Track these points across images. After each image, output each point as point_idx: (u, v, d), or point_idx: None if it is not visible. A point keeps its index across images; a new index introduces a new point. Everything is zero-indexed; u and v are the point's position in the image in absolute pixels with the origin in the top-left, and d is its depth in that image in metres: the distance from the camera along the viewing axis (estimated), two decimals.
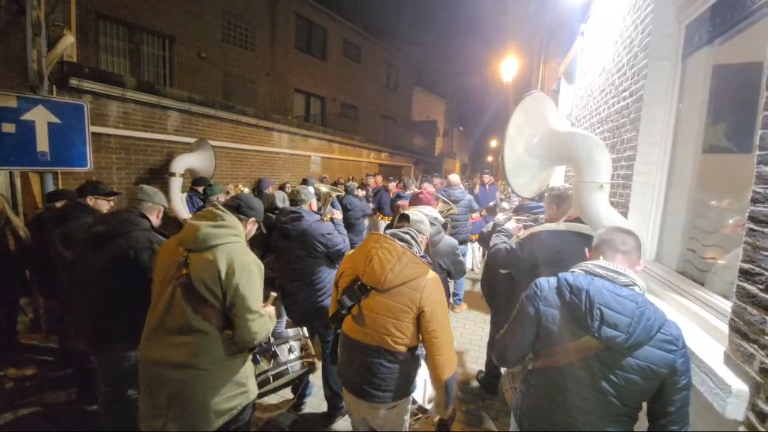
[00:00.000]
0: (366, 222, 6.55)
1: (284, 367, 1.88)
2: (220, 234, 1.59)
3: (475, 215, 5.65)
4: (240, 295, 1.54)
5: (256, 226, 1.91)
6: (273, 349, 1.86)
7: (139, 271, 1.96)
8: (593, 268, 1.32)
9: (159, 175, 5.58)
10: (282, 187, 6.92)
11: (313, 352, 2.06)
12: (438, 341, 1.59)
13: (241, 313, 1.55)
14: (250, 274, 1.58)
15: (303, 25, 13.78)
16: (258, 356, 1.82)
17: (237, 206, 1.81)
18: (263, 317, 1.62)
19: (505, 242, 2.34)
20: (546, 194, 2.43)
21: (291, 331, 2.03)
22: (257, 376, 1.81)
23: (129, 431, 2.19)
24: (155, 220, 2.20)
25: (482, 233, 3.16)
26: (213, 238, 1.57)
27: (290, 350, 1.95)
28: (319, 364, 2.09)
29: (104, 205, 2.90)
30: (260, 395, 1.92)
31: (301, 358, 1.96)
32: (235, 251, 1.59)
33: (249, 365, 1.74)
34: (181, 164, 5.37)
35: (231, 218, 1.67)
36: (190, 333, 1.54)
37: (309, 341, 2.07)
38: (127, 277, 1.97)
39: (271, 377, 1.84)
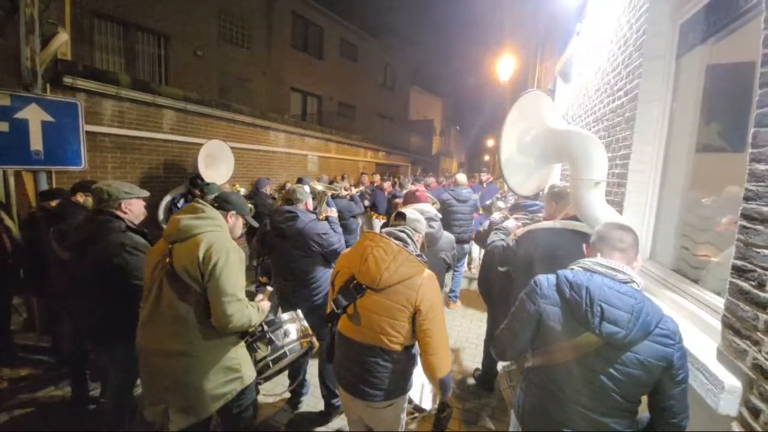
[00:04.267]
0: (359, 221, 6.55)
1: (281, 351, 1.92)
2: (201, 224, 1.67)
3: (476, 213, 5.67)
4: (216, 277, 1.59)
5: (241, 220, 1.95)
6: (268, 336, 1.90)
7: (118, 275, 1.98)
8: (592, 265, 1.33)
9: (156, 174, 5.56)
10: (282, 188, 6.90)
11: (311, 332, 2.09)
12: (432, 341, 1.59)
13: (217, 295, 1.60)
14: (227, 258, 1.63)
15: (299, 24, 13.73)
16: (256, 344, 1.88)
17: (216, 202, 1.89)
18: (240, 302, 1.66)
19: (502, 239, 2.35)
20: (545, 192, 2.44)
21: (286, 315, 2.05)
22: (258, 362, 1.88)
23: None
24: (127, 214, 2.12)
25: (479, 232, 3.17)
26: (193, 228, 1.65)
27: (285, 334, 1.98)
28: (317, 343, 2.15)
29: None
30: (264, 379, 1.99)
31: (298, 339, 1.99)
32: (215, 238, 1.66)
33: (242, 351, 1.80)
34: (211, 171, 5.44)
35: (211, 210, 1.75)
36: (179, 321, 1.62)
37: (305, 322, 2.11)
38: (108, 281, 2.00)
39: (270, 362, 1.89)
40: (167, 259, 1.62)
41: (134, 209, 2.18)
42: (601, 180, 1.93)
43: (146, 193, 2.25)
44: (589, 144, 2.02)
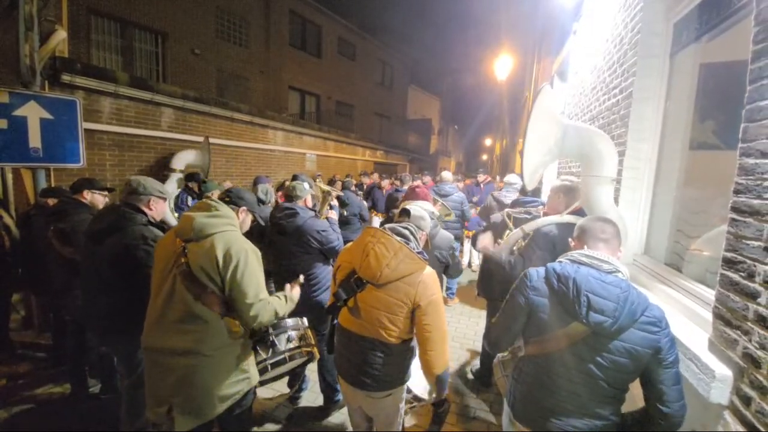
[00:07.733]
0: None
1: (282, 356, 1.90)
2: (216, 223, 1.66)
3: (472, 211, 5.68)
4: (237, 280, 1.60)
5: (250, 216, 1.97)
6: (271, 339, 1.88)
7: (134, 267, 1.99)
8: (578, 257, 1.37)
9: (153, 173, 5.54)
10: (281, 186, 6.90)
11: (313, 342, 2.08)
12: (431, 336, 1.60)
13: (241, 297, 1.61)
14: (247, 260, 1.63)
15: (297, 22, 13.72)
16: (257, 346, 1.86)
17: (227, 198, 1.88)
18: (262, 301, 1.68)
19: (511, 255, 2.26)
20: (553, 185, 2.40)
21: (290, 321, 2.04)
22: (257, 364, 1.87)
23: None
24: (151, 211, 2.16)
25: (476, 234, 3.19)
26: (209, 227, 1.63)
27: (288, 340, 1.96)
28: (318, 355, 2.13)
29: (100, 200, 2.91)
30: (259, 383, 1.96)
31: (300, 347, 1.98)
32: (231, 239, 1.66)
33: (250, 352, 1.81)
34: (182, 160, 5.41)
35: (224, 208, 1.74)
36: (193, 321, 1.60)
37: (309, 331, 2.10)
38: (124, 273, 2.00)
39: (269, 366, 1.87)
40: (182, 259, 1.59)
41: (159, 209, 2.20)
42: (615, 177, 1.94)
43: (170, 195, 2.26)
44: (603, 143, 2.00)
